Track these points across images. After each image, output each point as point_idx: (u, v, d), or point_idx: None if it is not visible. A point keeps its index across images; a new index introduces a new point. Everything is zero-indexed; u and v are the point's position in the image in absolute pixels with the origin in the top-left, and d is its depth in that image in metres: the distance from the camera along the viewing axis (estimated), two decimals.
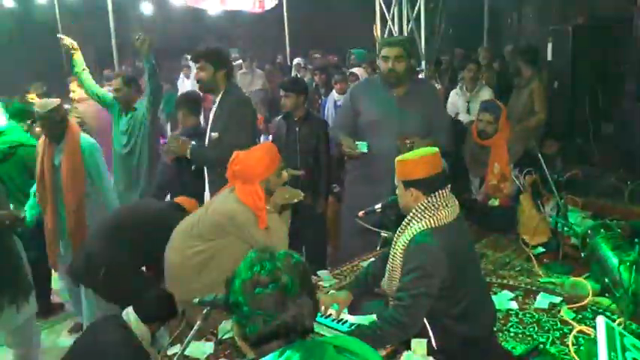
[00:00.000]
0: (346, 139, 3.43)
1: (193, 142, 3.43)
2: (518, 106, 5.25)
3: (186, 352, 2.25)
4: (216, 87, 3.42)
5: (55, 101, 3.69)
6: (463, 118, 5.32)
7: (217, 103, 3.44)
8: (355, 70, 6.28)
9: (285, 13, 10.46)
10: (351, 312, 2.43)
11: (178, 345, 2.32)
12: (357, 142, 3.38)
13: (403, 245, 2.10)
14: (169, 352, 2.32)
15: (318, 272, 3.01)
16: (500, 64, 7.45)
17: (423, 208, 2.09)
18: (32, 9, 9.43)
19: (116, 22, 7.72)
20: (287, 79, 4.97)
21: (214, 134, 3.42)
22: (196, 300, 1.83)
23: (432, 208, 2.08)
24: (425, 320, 2.06)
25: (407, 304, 2.00)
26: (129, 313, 2.63)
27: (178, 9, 10.19)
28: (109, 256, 3.07)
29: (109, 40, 7.76)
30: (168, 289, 2.86)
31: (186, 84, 9.29)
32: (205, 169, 3.56)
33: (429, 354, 1.99)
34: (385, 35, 5.91)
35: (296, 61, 9.21)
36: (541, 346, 2.25)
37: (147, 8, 10.08)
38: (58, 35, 4.39)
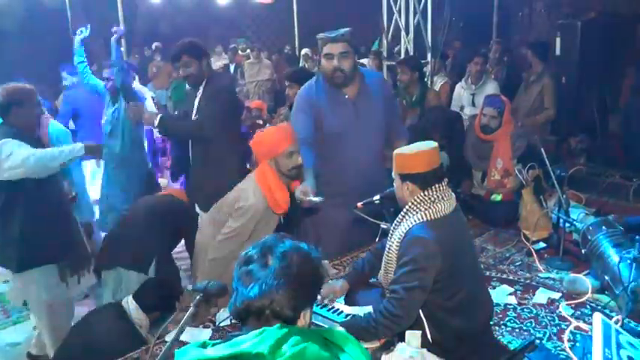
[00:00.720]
0: (305, 184, 2.75)
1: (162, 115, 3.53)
2: (527, 100, 5.21)
3: (185, 339, 2.27)
4: (203, 77, 3.46)
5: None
6: (468, 111, 5.29)
7: (201, 91, 3.46)
8: (363, 60, 6.25)
9: (294, 3, 10.41)
10: (348, 303, 2.44)
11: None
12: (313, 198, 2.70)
13: (399, 238, 2.10)
14: (168, 338, 2.34)
15: None
16: (509, 58, 7.39)
17: (418, 201, 2.08)
18: None
19: (125, 11, 7.72)
20: (291, 70, 4.95)
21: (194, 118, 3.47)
22: (189, 287, 1.85)
23: (428, 201, 2.07)
24: (420, 312, 2.06)
25: (401, 297, 2.00)
26: (129, 302, 2.66)
27: None
28: (158, 247, 3.20)
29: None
30: (193, 273, 2.92)
31: None
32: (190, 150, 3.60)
33: (423, 346, 1.99)
34: (392, 28, 5.87)
35: (304, 51, 9.16)
36: (537, 341, 2.25)
37: None
38: (114, 29, 4.46)
